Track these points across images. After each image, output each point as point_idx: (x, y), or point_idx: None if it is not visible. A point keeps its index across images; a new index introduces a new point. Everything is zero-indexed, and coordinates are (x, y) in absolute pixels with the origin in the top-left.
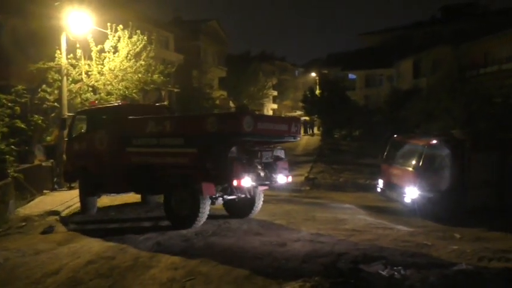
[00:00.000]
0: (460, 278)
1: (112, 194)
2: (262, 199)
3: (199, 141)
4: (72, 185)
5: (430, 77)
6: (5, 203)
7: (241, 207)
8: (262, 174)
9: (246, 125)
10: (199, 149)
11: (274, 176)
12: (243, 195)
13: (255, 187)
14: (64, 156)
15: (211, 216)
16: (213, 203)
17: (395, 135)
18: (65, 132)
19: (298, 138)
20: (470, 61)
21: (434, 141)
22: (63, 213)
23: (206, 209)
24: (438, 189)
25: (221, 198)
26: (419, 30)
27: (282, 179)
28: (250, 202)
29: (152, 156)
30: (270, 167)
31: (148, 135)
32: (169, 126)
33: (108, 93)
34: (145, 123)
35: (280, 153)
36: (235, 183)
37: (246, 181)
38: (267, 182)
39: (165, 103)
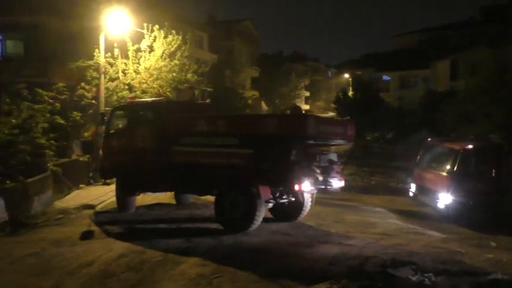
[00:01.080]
0: None
1: (149, 193)
2: (311, 203)
3: (256, 142)
4: (107, 181)
5: (468, 80)
6: (44, 195)
7: (289, 211)
8: (320, 178)
9: (310, 127)
10: (256, 150)
11: (330, 180)
12: (293, 199)
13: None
14: (101, 152)
15: None
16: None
17: (429, 139)
18: (103, 127)
19: (353, 142)
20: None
21: (470, 146)
22: (98, 208)
23: (262, 212)
24: (473, 194)
25: (273, 202)
26: (456, 30)
27: (337, 183)
28: (299, 205)
29: (202, 155)
30: (327, 171)
31: (199, 134)
32: (223, 125)
33: (143, 92)
34: (196, 122)
35: (333, 157)
36: (296, 187)
37: (306, 185)
38: (323, 186)
39: (207, 101)
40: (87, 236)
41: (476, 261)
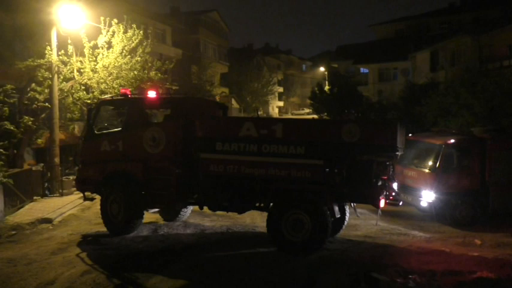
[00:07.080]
0: (480, 286)
1: (153, 210)
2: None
3: (328, 152)
4: (88, 194)
5: (449, 70)
6: None
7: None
8: (391, 192)
9: (400, 137)
10: (328, 161)
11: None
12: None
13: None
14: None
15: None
16: None
17: (410, 134)
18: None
19: None
20: (492, 52)
21: (452, 140)
22: (55, 221)
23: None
24: (457, 192)
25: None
26: (436, 19)
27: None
28: (342, 219)
29: (248, 165)
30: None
31: (244, 140)
32: (281, 130)
33: (102, 92)
34: (240, 125)
35: None
36: (382, 203)
37: (383, 201)
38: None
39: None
40: None
41: (461, 260)
